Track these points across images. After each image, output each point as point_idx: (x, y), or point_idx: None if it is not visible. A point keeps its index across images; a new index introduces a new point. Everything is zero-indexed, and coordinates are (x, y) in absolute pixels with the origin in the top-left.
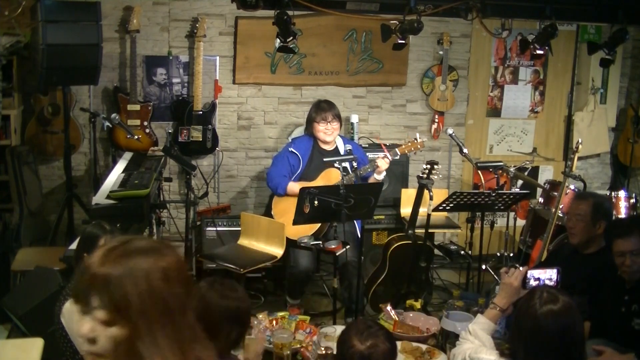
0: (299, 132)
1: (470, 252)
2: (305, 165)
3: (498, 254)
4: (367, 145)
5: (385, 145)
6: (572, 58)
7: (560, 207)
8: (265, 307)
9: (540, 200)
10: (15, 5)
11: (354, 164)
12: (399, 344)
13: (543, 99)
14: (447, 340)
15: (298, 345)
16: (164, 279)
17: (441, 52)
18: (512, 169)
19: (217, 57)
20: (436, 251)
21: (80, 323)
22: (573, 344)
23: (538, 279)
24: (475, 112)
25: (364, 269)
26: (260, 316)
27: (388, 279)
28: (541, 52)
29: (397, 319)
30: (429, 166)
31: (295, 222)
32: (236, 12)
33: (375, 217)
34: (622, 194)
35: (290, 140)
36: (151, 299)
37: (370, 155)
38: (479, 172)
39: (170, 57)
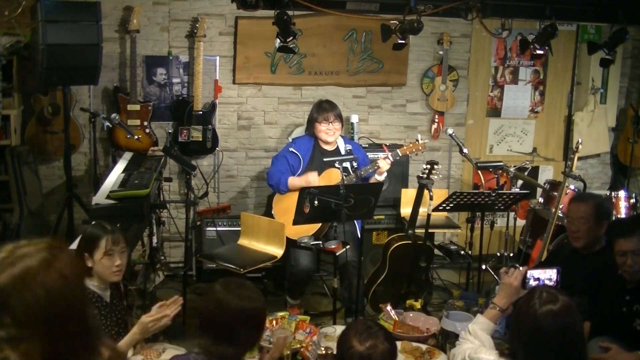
0: (299, 132)
1: (470, 252)
2: (306, 165)
3: (498, 254)
4: (367, 146)
5: (386, 145)
6: (572, 58)
7: (560, 207)
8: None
9: (540, 200)
10: (15, 5)
11: (355, 164)
12: (399, 344)
13: (543, 99)
14: (447, 340)
15: (298, 345)
16: (61, 280)
17: (441, 52)
18: (512, 169)
19: (217, 57)
20: (436, 251)
21: None
22: (573, 344)
23: (538, 279)
24: (475, 112)
25: (364, 269)
26: None
27: (388, 279)
28: (541, 52)
29: (397, 319)
30: (429, 166)
31: (295, 222)
32: (236, 12)
33: (375, 217)
34: (622, 194)
35: (290, 140)
36: (52, 304)
37: (370, 155)
38: (479, 172)
39: (170, 57)
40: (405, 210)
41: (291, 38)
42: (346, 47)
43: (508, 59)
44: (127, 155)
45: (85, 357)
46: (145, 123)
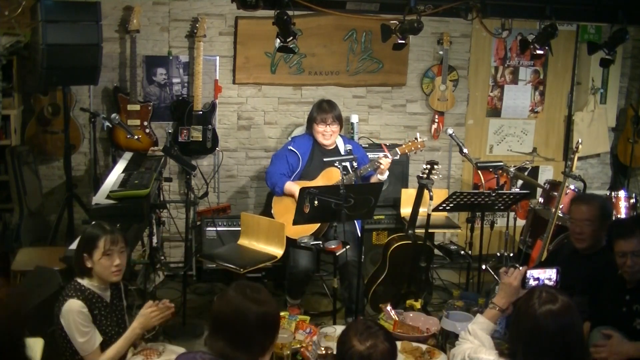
0: (299, 132)
1: (470, 252)
2: (305, 164)
3: (498, 254)
4: (367, 145)
5: (385, 145)
6: (572, 58)
7: (560, 207)
8: None
9: (540, 200)
10: (15, 5)
11: (354, 164)
12: (399, 344)
13: (543, 99)
14: (447, 340)
15: (298, 345)
16: None
17: (441, 52)
18: (512, 169)
19: (217, 57)
20: (436, 251)
21: None
22: (572, 344)
23: (537, 278)
24: (475, 112)
25: (364, 269)
26: None
27: (388, 279)
28: (541, 52)
29: (397, 319)
30: (429, 166)
31: (295, 222)
32: (236, 12)
33: (375, 217)
34: (622, 194)
35: (290, 139)
36: None
37: (370, 155)
38: (479, 172)
39: (170, 57)
40: (405, 210)
41: (291, 38)
42: (346, 47)
43: (508, 59)
44: (127, 155)
45: None
46: (145, 123)
